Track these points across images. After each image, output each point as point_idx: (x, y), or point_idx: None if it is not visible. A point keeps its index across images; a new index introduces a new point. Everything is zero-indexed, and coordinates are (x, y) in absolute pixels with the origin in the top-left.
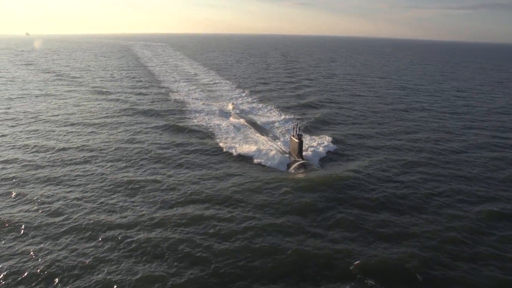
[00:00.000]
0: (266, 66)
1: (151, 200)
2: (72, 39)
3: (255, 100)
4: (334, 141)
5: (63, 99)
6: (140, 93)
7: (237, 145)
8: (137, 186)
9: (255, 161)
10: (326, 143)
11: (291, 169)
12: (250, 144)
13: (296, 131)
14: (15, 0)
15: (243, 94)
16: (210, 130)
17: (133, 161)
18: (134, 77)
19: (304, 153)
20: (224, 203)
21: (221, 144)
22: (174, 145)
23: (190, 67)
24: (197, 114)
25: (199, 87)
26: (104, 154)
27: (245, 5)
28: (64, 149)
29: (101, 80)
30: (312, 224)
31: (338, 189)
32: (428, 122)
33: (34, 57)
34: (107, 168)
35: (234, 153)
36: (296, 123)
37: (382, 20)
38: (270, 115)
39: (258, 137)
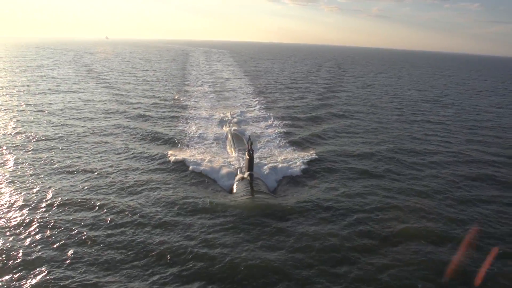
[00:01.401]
0: (306, 75)
1: (66, 186)
2: (145, 43)
3: (263, 109)
4: (311, 155)
5: (79, 95)
6: (152, 96)
7: (196, 155)
8: (66, 173)
9: (201, 172)
10: (300, 157)
11: (233, 185)
12: (210, 156)
13: (249, 147)
14: (98, 6)
15: (257, 102)
16: (186, 137)
17: (86, 152)
18: (163, 79)
19: (268, 169)
20: (128, 197)
21: (181, 152)
22: (136, 145)
23: (228, 73)
24: (187, 121)
25: (217, 93)
26: (67, 145)
27: (319, 16)
28: (40, 138)
29: (128, 81)
30: (195, 227)
31: (258, 202)
32: (430, 135)
33: (92, 59)
34: (59, 157)
35: (186, 162)
36: (248, 137)
37: (462, 35)
38: (267, 127)
39: (228, 149)
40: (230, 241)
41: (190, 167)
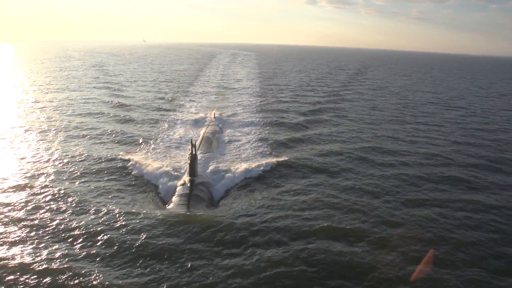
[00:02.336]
0: (324, 77)
1: (22, 172)
2: (179, 46)
3: (255, 111)
4: (279, 157)
5: (83, 94)
6: (148, 97)
7: (152, 157)
8: (28, 162)
9: (143, 176)
10: (267, 159)
11: (174, 189)
12: (167, 158)
13: (191, 150)
14: (139, 12)
15: (253, 104)
16: (156, 138)
17: (56, 145)
18: (173, 80)
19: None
20: (65, 186)
21: (138, 154)
22: (103, 144)
23: (243, 74)
24: (168, 122)
25: (219, 94)
26: (46, 138)
27: (357, 19)
28: (30, 131)
29: (136, 82)
30: (107, 221)
31: (189, 207)
32: (418, 137)
33: (117, 59)
34: (32, 148)
35: (133, 165)
36: (190, 139)
37: (507, 37)
38: (248, 128)
39: (187, 151)
40: (121, 234)
41: (134, 170)
